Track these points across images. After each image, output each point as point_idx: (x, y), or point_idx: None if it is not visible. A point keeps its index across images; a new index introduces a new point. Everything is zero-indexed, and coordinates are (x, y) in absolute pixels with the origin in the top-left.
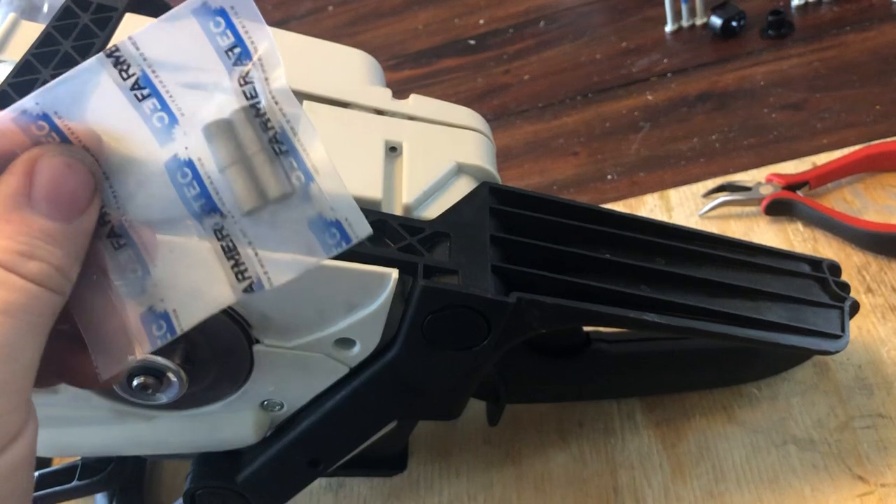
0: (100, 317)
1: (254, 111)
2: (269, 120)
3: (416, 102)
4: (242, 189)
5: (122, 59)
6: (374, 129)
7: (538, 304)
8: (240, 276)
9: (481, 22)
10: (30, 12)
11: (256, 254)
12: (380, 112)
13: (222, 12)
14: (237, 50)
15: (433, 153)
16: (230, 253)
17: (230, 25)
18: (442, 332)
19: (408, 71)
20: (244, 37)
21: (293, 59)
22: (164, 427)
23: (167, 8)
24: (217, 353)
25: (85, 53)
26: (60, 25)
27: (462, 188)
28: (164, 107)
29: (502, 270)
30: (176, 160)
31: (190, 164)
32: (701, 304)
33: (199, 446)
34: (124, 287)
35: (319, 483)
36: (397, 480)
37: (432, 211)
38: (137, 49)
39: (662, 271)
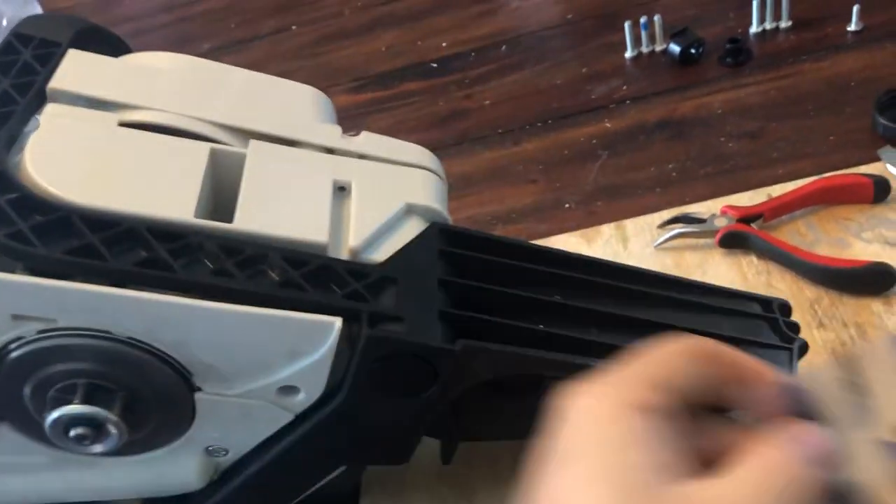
0: None
1: None
2: None
3: (367, 140)
4: None
5: None
6: (322, 169)
7: (485, 350)
8: None
9: (444, 45)
10: None
11: None
12: (329, 150)
13: None
14: None
15: (382, 193)
16: None
17: None
18: (388, 380)
19: (370, 93)
20: None
21: (240, 96)
22: (107, 473)
23: (117, 42)
24: (158, 402)
25: (25, 91)
26: (1, 62)
27: (411, 229)
28: None
29: (450, 316)
30: None
31: None
32: None
33: (143, 492)
34: None
35: None
36: None
37: (381, 253)
38: None
39: (612, 314)
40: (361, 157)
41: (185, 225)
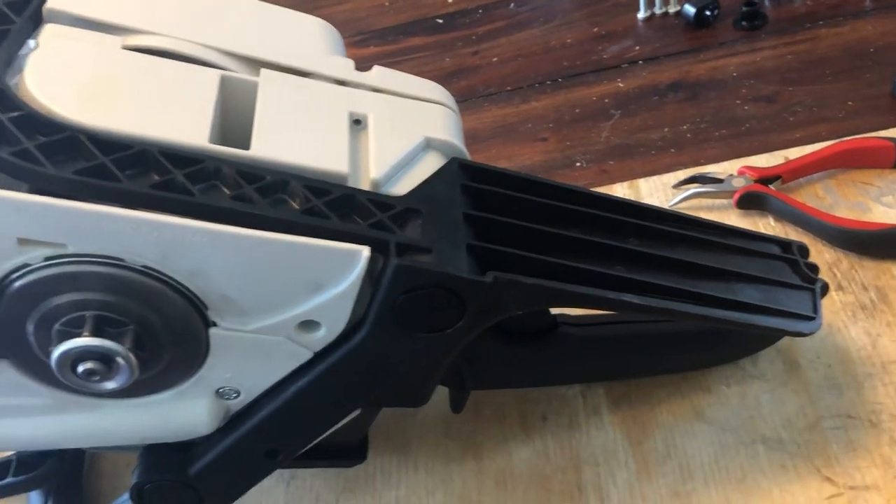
0: None
1: None
2: None
3: (380, 74)
4: None
5: None
6: (337, 101)
7: (516, 283)
8: None
9: (450, 0)
10: None
11: None
12: (342, 83)
13: None
14: None
15: (400, 127)
16: None
17: None
18: (414, 314)
19: (373, 48)
20: None
21: (251, 26)
22: (111, 417)
23: None
24: (170, 337)
25: (20, 11)
26: None
27: (430, 164)
28: None
29: (477, 249)
30: None
31: None
32: (677, 286)
33: (148, 437)
34: None
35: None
36: (352, 473)
37: (401, 187)
38: None
39: (637, 252)
40: (375, 90)
41: (201, 150)
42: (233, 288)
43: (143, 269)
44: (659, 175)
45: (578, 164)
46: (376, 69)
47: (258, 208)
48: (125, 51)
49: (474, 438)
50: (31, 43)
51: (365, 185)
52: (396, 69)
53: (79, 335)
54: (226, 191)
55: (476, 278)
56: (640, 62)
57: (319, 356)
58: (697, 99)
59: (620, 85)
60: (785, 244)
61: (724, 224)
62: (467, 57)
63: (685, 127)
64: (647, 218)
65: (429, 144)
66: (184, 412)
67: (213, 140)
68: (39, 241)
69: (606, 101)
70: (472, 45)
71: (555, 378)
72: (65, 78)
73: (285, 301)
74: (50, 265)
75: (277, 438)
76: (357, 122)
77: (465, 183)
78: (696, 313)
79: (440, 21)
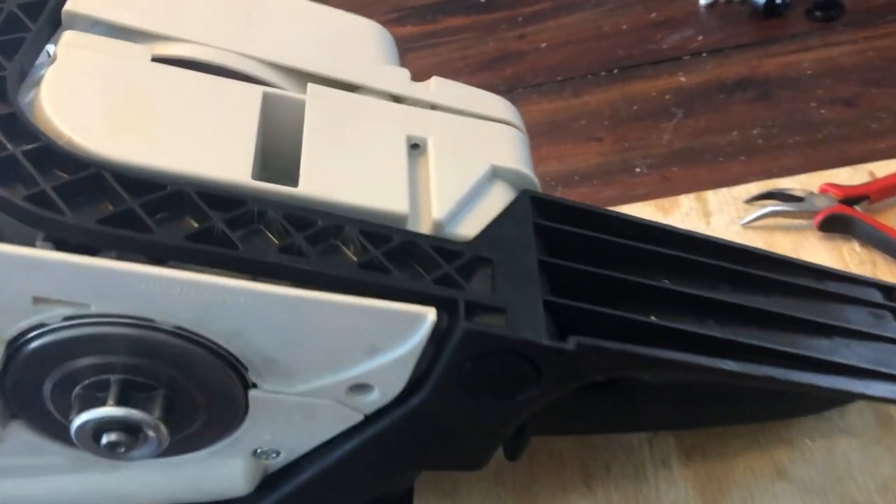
0: None
1: None
2: None
3: (439, 87)
4: None
5: None
6: (393, 122)
7: (601, 350)
8: None
9: None
10: None
11: None
12: (397, 99)
13: None
14: None
15: (463, 153)
16: None
17: None
18: (482, 379)
19: (411, 27)
20: None
21: (294, 30)
22: (136, 478)
23: None
24: (204, 401)
25: (35, 14)
26: None
27: (498, 198)
28: None
29: (556, 306)
30: None
31: None
32: (777, 346)
33: (176, 498)
34: None
35: None
36: None
37: (466, 227)
38: None
39: (730, 304)
40: (433, 107)
41: (243, 188)
42: (277, 350)
43: (175, 330)
44: (728, 187)
45: (638, 169)
46: (434, 81)
47: (309, 263)
48: (154, 63)
49: (530, 488)
50: (50, 50)
51: (426, 226)
52: (437, 52)
53: (102, 403)
54: (272, 238)
55: (556, 345)
56: (704, 54)
57: (371, 419)
58: (768, 99)
59: (682, 79)
60: (888, 289)
61: (819, 266)
62: (512, 41)
63: (756, 131)
64: (737, 260)
65: (496, 174)
66: (217, 473)
67: (255, 174)
68: (59, 300)
69: (667, 97)
70: (517, 28)
71: (623, 426)
72: (87, 99)
73: (336, 364)
74: (70, 326)
75: (321, 501)
76: (415, 147)
77: (538, 222)
78: (801, 381)
79: None
